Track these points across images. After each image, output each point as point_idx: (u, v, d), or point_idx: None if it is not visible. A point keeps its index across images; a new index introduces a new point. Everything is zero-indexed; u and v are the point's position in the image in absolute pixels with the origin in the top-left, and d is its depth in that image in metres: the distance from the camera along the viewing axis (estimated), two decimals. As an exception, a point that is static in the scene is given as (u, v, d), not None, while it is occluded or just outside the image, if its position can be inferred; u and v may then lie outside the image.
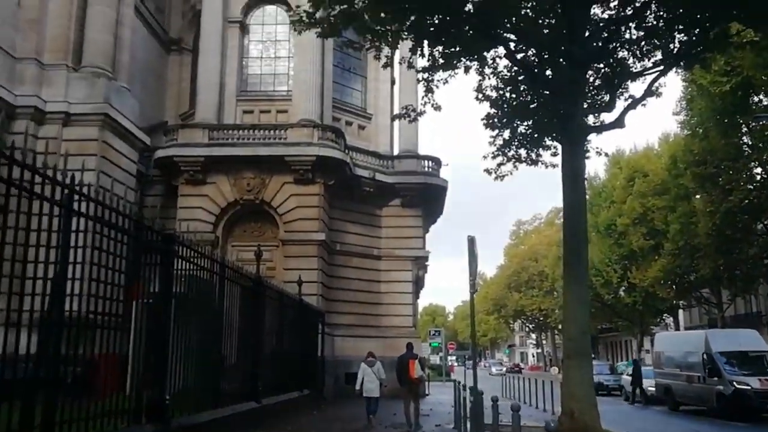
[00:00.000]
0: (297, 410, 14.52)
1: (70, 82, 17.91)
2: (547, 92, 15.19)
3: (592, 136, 14.61)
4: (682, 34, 13.77)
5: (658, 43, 14.20)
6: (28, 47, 17.79)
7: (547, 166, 16.73)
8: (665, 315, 44.76)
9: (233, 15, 25.37)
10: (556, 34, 13.86)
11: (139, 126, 20.08)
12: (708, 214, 29.42)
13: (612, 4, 14.34)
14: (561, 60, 13.69)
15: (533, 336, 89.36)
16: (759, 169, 28.54)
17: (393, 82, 29.05)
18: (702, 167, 29.34)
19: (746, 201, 27.29)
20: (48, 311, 4.94)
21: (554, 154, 16.42)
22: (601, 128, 13.91)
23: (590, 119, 14.50)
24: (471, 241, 8.26)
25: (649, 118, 42.75)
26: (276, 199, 21.76)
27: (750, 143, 28.15)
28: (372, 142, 26.31)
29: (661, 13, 13.63)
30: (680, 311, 46.24)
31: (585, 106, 13.95)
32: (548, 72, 13.82)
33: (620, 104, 14.09)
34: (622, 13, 13.98)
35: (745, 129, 27.76)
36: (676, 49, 13.85)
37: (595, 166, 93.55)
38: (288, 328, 15.94)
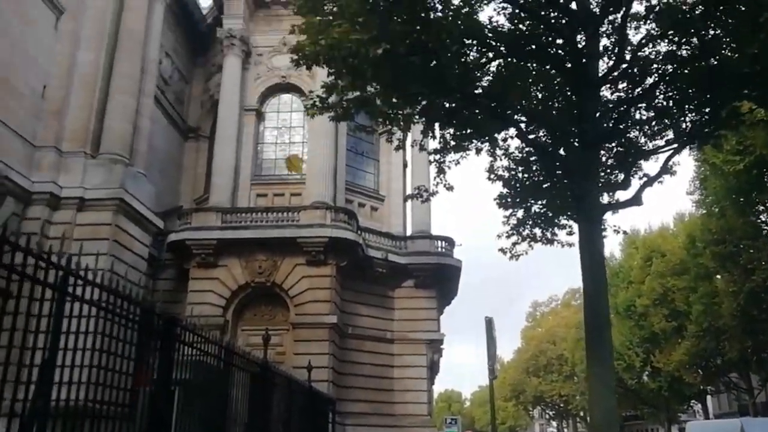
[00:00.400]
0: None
1: (87, 168, 18.24)
2: (560, 171, 15.19)
3: (608, 215, 14.42)
4: (693, 114, 13.80)
5: (668, 123, 14.25)
6: (49, 136, 18.27)
7: (563, 245, 16.48)
8: (693, 401, 42.80)
9: (250, 103, 26.14)
10: (567, 114, 13.99)
11: (154, 211, 20.28)
12: (731, 294, 28.65)
13: (621, 86, 14.53)
14: (573, 140, 13.73)
15: (554, 424, 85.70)
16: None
17: (405, 165, 29.37)
18: (721, 246, 28.86)
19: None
20: (33, 400, 4.65)
21: (570, 233, 16.20)
22: (617, 206, 13.73)
23: (605, 197, 14.35)
24: (488, 323, 7.87)
25: (663, 196, 42.63)
26: (287, 281, 21.52)
27: (768, 221, 27.78)
28: (385, 223, 26.28)
29: (671, 93, 13.72)
30: (708, 397, 44.22)
31: (600, 184, 13.83)
32: (561, 151, 13.79)
33: (636, 182, 13.97)
34: (631, 95, 14.10)
35: (762, 207, 27.44)
36: (687, 129, 13.83)
37: (610, 247, 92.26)
38: (297, 417, 15.29)
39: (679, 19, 12.04)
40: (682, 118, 13.88)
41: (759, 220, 28.10)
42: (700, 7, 12.13)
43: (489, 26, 13.13)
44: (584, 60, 13.00)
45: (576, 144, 13.57)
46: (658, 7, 12.93)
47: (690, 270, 33.72)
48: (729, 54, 12.32)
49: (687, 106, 13.45)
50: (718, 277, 30.91)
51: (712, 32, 12.23)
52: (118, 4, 20.77)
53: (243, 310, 21.79)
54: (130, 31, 20.47)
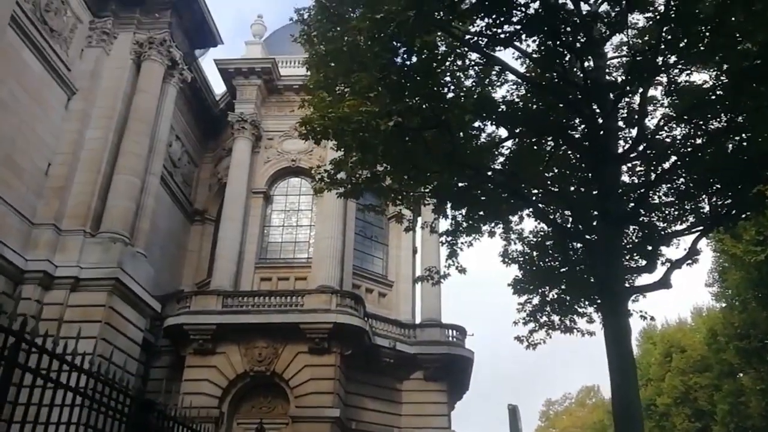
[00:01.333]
0: None
1: (84, 247, 17.65)
2: (580, 255, 14.51)
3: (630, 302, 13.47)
4: (715, 198, 13.20)
5: (690, 207, 13.66)
6: (48, 214, 17.84)
7: (583, 334, 15.59)
8: None
9: (258, 186, 25.86)
10: (587, 193, 13.40)
11: (153, 294, 19.48)
12: (759, 392, 26.97)
13: (639, 170, 14.05)
14: (593, 221, 13.07)
15: None
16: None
17: (415, 251, 28.62)
18: (745, 341, 27.46)
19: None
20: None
21: (590, 321, 15.32)
22: (645, 289, 12.86)
23: (628, 283, 13.46)
24: (512, 412, 6.71)
25: (678, 290, 40.92)
26: (288, 371, 20.25)
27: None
28: (393, 311, 25.19)
29: (690, 176, 13.15)
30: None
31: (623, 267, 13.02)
32: (581, 233, 13.05)
33: (660, 266, 13.20)
34: (650, 177, 13.57)
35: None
36: (710, 213, 13.19)
37: None
38: None
39: (696, 103, 11.70)
40: (704, 201, 13.31)
41: (784, 313, 26.81)
42: (719, 91, 11.81)
43: (503, 101, 12.80)
44: (602, 135, 12.57)
45: (595, 225, 12.92)
46: (675, 88, 12.65)
47: (713, 366, 32.08)
48: (751, 136, 11.85)
49: (709, 190, 12.89)
50: (743, 375, 29.22)
51: (731, 114, 11.82)
52: (131, 85, 20.94)
53: (240, 401, 20.39)
54: (141, 110, 20.50)
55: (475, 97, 12.53)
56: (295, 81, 26.24)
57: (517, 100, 13.18)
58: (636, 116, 13.04)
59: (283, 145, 26.80)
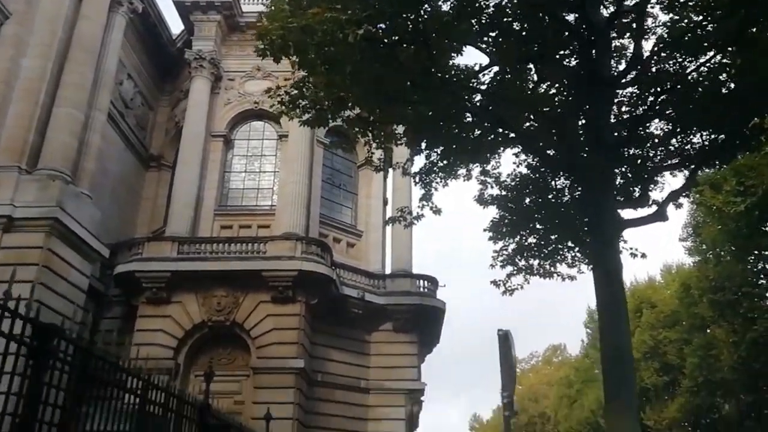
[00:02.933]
0: None
1: (20, 185, 15.91)
2: (562, 195, 13.55)
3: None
4: (710, 131, 12.21)
5: (683, 141, 12.68)
6: (-22, 149, 15.98)
7: (563, 279, 14.68)
8: (685, 462, 40.21)
9: (217, 129, 24.17)
10: (578, 121, 12.25)
11: (105, 242, 17.89)
12: (731, 345, 26.81)
13: (632, 101, 12.96)
14: (583, 153, 11.97)
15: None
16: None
17: (386, 202, 27.42)
18: (720, 294, 27.17)
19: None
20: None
21: (571, 265, 14.44)
22: (639, 222, 11.83)
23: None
24: (503, 338, 5.61)
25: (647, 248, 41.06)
26: (250, 320, 19.02)
27: (768, 267, 26.18)
28: (362, 261, 24.02)
29: (686, 108, 12.09)
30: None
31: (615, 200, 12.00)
32: (571, 162, 11.92)
33: (656, 196, 12.29)
34: (645, 106, 12.51)
35: (764, 252, 25.84)
36: (705, 147, 12.24)
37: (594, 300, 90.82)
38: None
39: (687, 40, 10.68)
40: (699, 135, 12.35)
41: (759, 266, 26.50)
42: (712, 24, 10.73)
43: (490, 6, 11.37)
44: (596, 56, 11.40)
45: (586, 156, 11.83)
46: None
47: (683, 321, 31.94)
48: (749, 67, 10.80)
49: (704, 122, 11.89)
50: (715, 328, 29.02)
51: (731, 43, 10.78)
52: (73, 11, 18.89)
53: (198, 353, 19.12)
54: (84, 38, 18.53)
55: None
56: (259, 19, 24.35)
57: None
58: (632, 33, 11.89)
59: (246, 86, 25.06)
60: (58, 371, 5.58)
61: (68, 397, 5.93)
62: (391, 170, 26.71)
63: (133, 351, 15.42)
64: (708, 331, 30.07)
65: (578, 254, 14.05)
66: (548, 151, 12.71)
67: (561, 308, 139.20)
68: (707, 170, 16.74)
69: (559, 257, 14.21)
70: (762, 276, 26.50)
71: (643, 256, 13.37)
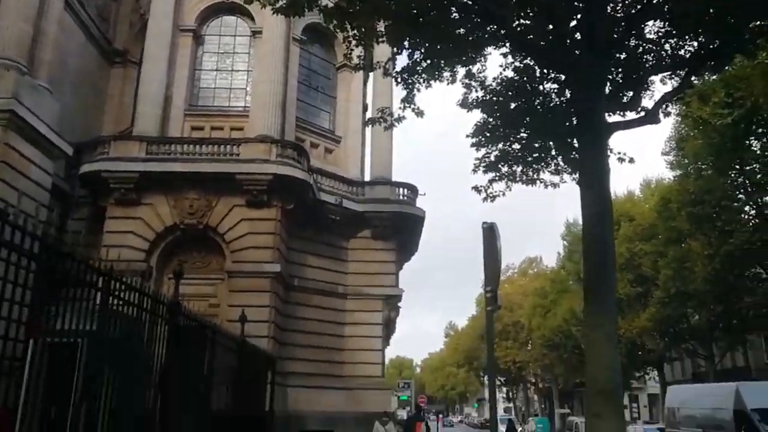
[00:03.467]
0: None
1: (-30, 74, 14.69)
2: (548, 99, 12.88)
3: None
4: (708, 33, 11.41)
5: (679, 44, 11.89)
6: None
7: (546, 186, 14.20)
8: (649, 368, 41.90)
9: (186, 23, 22.56)
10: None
11: (68, 141, 16.87)
12: (706, 257, 27.09)
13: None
14: (575, 51, 11.17)
15: (504, 390, 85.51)
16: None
17: (365, 108, 26.44)
18: (698, 207, 27.18)
19: (748, 243, 24.93)
20: None
21: (554, 173, 13.99)
22: (630, 124, 11.24)
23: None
24: (489, 230, 5.17)
25: (627, 166, 40.96)
26: (223, 224, 18.47)
27: (749, 181, 26.04)
28: (340, 167, 23.33)
29: (683, 8, 11.22)
30: (665, 364, 43.38)
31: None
32: (562, 60, 11.15)
33: (646, 103, 11.64)
34: (637, 8, 11.62)
35: (744, 168, 25.61)
36: (701, 49, 11.50)
37: (575, 213, 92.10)
38: (225, 375, 12.53)
39: None
40: (694, 38, 11.57)
41: (740, 180, 26.39)
42: None
43: None
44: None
45: (578, 54, 11.04)
46: None
47: (660, 234, 32.12)
48: None
49: (701, 23, 11.08)
50: (691, 241, 29.23)
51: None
52: None
53: (170, 256, 18.64)
54: None
55: None
56: None
57: None
58: None
59: (217, -24, 23.25)
60: (23, 269, 5.30)
61: (35, 295, 5.67)
62: (371, 75, 25.67)
63: (102, 253, 14.86)
64: (683, 244, 30.29)
65: (562, 163, 13.65)
66: (539, 49, 11.91)
67: (539, 224, 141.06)
68: (697, 79, 16.06)
69: (542, 164, 13.77)
70: (741, 190, 26.47)
71: (631, 161, 12.85)
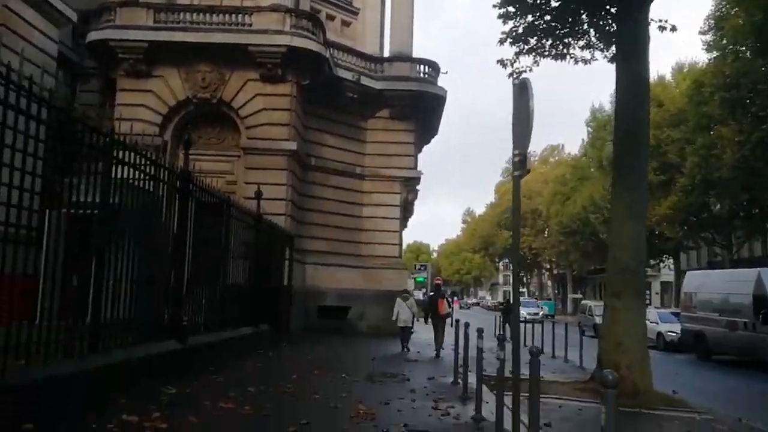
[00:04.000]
0: (244, 351, 11.27)
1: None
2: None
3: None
4: None
5: None
6: None
7: (577, 62, 13.51)
8: (665, 256, 42.05)
9: None
10: None
11: (73, 8, 15.98)
12: (736, 144, 26.15)
13: None
14: None
15: (520, 275, 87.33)
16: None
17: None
18: (733, 91, 25.96)
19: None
20: None
21: (586, 47, 13.17)
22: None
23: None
24: (520, 88, 4.68)
25: (660, 49, 39.36)
26: (237, 100, 17.91)
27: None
28: (358, 42, 22.24)
29: None
30: (681, 253, 43.51)
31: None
32: None
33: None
34: None
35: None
36: None
37: (600, 98, 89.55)
38: (241, 250, 12.56)
39: None
40: None
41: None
42: None
43: None
44: None
45: None
46: None
47: (689, 120, 30.94)
48: None
49: None
50: (720, 127, 28.12)
51: None
52: None
53: (185, 132, 18.28)
54: None
55: None
56: None
57: None
58: None
59: None
60: (32, 138, 5.09)
61: (47, 164, 5.56)
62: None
63: (115, 126, 14.51)
64: (713, 131, 29.21)
65: (594, 38, 12.86)
66: None
67: (563, 113, 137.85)
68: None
69: (574, 38, 12.95)
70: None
71: (673, 29, 11.93)
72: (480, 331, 7.31)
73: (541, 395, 7.75)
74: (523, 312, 36.27)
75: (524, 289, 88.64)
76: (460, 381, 9.28)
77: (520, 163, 4.83)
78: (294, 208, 18.55)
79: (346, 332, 19.40)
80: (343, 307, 20.12)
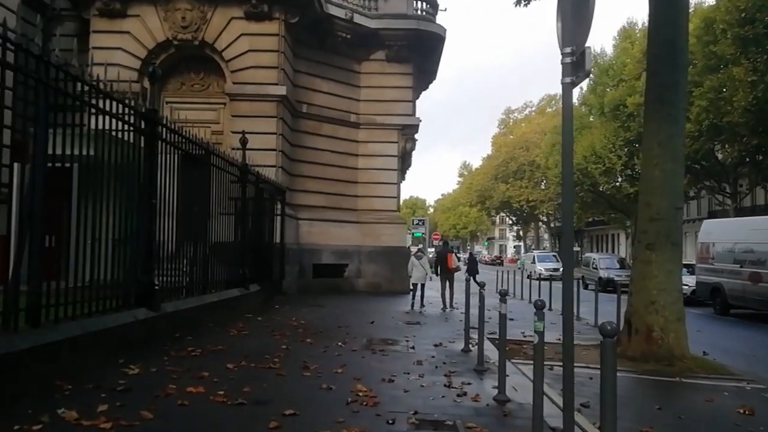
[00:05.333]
0: (231, 317, 10.24)
1: None
2: None
3: None
4: None
5: None
6: None
7: None
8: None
9: None
10: None
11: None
12: (748, 85, 24.83)
13: None
14: None
15: (515, 229, 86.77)
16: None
17: None
18: (748, 27, 24.49)
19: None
20: None
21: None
22: None
23: None
24: None
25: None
26: (221, 41, 16.43)
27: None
28: (350, -22, 20.55)
29: None
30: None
31: None
32: None
33: None
34: None
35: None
36: None
37: (601, 42, 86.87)
38: (228, 205, 11.44)
39: None
40: None
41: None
42: None
43: None
44: None
45: None
46: None
47: (697, 61, 29.43)
48: None
49: None
50: (732, 67, 26.68)
51: None
52: None
53: (166, 77, 16.82)
54: None
55: None
56: None
57: None
58: None
59: None
60: None
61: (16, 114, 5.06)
62: None
63: (90, 71, 13.13)
64: (722, 72, 27.76)
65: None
66: None
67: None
68: None
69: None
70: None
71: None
72: (503, 294, 6.23)
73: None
74: (540, 268, 34.88)
75: (521, 243, 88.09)
76: (471, 347, 8.32)
77: (576, 65, 3.65)
78: (285, 160, 17.32)
79: (344, 291, 18.47)
80: (340, 264, 19.12)
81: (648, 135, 8.97)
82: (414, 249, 19.36)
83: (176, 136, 8.54)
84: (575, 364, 7.57)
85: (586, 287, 24.39)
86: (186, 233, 9.26)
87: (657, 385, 7.17)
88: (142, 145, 7.64)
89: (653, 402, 6.31)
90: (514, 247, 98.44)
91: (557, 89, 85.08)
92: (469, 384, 6.13)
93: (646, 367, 7.78)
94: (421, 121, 20.79)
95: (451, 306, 14.83)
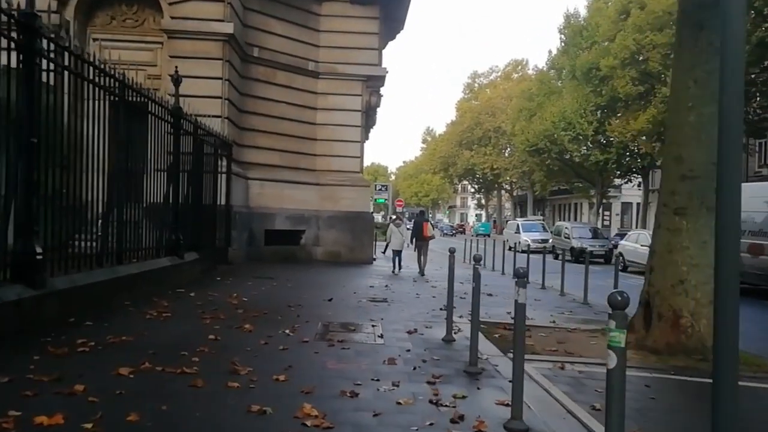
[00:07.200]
0: (155, 292, 8.25)
1: None
2: None
3: None
4: None
5: None
6: None
7: None
8: (634, 175, 40.16)
9: None
10: None
11: None
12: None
13: None
14: None
15: (477, 197, 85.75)
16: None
17: None
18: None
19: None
20: None
21: None
22: None
23: None
24: None
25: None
26: (156, -33, 14.07)
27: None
28: None
29: None
30: (650, 171, 41.72)
31: None
32: None
33: None
34: None
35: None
36: None
37: (575, 3, 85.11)
38: (157, 159, 9.40)
39: None
40: None
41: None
42: None
43: None
44: None
45: None
46: None
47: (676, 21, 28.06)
48: None
49: None
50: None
51: None
52: None
53: (93, 10, 14.44)
54: None
55: None
56: None
57: None
58: None
59: None
60: None
61: None
62: None
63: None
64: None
65: None
66: None
67: (532, 29, 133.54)
68: None
69: None
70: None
71: None
72: (523, 276, 4.41)
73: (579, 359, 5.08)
74: (526, 238, 31.10)
75: (482, 212, 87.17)
76: (454, 336, 6.61)
77: None
78: (233, 110, 15.16)
79: (300, 260, 16.61)
80: (295, 231, 17.20)
81: (679, 71, 7.21)
82: (393, 216, 20.71)
83: (69, 55, 6.41)
84: (590, 361, 5.96)
85: (556, 257, 23.12)
86: (92, 189, 7.22)
87: (691, 385, 5.56)
88: (18, 61, 5.57)
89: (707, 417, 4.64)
90: (476, 215, 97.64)
91: (524, 54, 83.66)
92: (463, 398, 4.38)
93: (676, 362, 6.17)
94: (387, 72, 18.73)
95: (422, 273, 15.46)
